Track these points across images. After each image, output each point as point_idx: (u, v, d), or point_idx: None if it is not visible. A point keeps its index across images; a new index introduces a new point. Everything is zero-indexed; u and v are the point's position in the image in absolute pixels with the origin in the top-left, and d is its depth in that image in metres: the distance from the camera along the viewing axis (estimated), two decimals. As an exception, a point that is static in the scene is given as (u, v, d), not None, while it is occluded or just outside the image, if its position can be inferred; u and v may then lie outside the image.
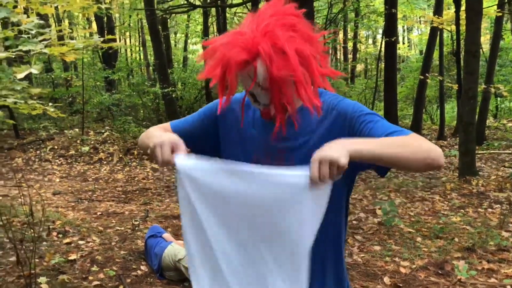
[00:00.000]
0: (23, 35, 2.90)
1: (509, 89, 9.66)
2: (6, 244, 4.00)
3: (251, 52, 1.12)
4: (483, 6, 7.62)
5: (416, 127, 12.64)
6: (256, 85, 1.17)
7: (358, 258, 3.95)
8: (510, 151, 10.32)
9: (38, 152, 10.39)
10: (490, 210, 5.56)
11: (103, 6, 5.60)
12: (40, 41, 2.94)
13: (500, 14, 10.55)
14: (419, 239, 4.44)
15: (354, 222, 5.04)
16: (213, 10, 16.40)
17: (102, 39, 3.25)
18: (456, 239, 4.38)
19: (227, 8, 15.06)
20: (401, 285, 3.41)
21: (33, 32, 2.95)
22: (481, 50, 9.00)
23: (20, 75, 2.48)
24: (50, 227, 4.61)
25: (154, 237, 3.88)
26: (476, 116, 8.15)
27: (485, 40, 18.82)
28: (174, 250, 3.57)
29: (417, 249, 4.16)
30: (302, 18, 1.18)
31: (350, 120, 1.25)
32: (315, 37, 1.18)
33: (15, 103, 3.49)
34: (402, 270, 3.66)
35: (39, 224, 4.32)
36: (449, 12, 13.24)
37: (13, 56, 2.74)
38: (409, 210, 5.60)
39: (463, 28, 9.04)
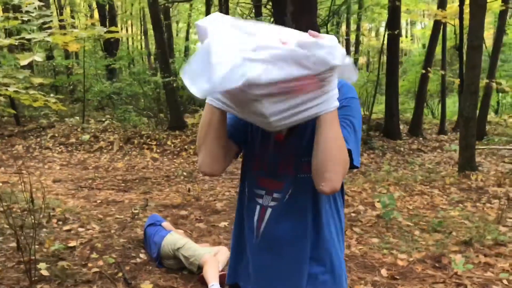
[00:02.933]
0: (26, 22, 2.90)
1: (511, 85, 9.63)
2: (6, 230, 4.02)
3: None
4: (487, 0, 7.58)
5: (417, 121, 12.64)
6: None
7: (356, 250, 3.98)
8: (510, 147, 10.32)
9: (38, 139, 10.40)
10: (488, 205, 5.58)
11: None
12: (43, 28, 2.94)
13: (504, 8, 10.49)
14: (417, 232, 4.46)
15: (353, 214, 5.06)
16: None
17: (105, 29, 3.23)
18: (454, 233, 4.41)
19: (230, -2, 14.97)
20: (398, 277, 3.44)
21: (33, 14, 2.94)
22: (484, 45, 8.97)
23: (24, 62, 2.48)
24: (50, 214, 4.63)
25: (153, 226, 3.90)
26: (477, 111, 8.14)
27: (489, 35, 18.72)
28: (173, 239, 3.59)
29: (415, 242, 4.18)
30: None
31: (340, 101, 1.25)
32: None
33: (17, 92, 3.49)
34: (400, 262, 3.69)
35: (39, 211, 4.34)
36: (453, 6, 13.17)
37: (16, 44, 2.74)
38: (408, 203, 5.62)
39: (466, 22, 9.01)
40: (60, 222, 4.53)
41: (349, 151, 1.22)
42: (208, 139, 1.27)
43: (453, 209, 5.33)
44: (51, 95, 4.88)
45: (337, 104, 1.16)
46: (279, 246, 1.36)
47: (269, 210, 1.37)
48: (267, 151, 1.36)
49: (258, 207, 1.39)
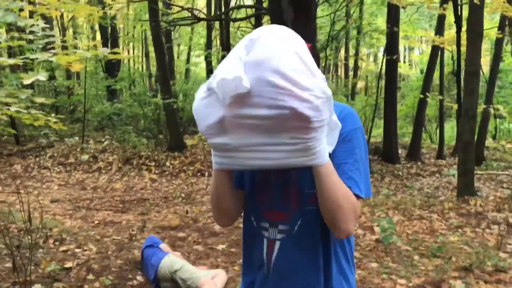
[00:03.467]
0: (32, 41, 2.94)
1: (509, 111, 9.72)
2: (3, 250, 3.98)
3: None
4: (484, 28, 7.71)
5: (415, 146, 12.68)
6: None
7: (355, 275, 3.94)
8: (508, 173, 10.34)
9: (37, 159, 10.40)
10: (488, 230, 5.55)
11: (109, 12, 5.66)
12: (47, 48, 2.99)
13: (501, 36, 10.67)
14: (416, 257, 4.42)
15: (352, 238, 5.02)
16: (217, 23, 16.58)
17: (108, 50, 3.28)
18: (454, 259, 4.37)
19: (231, 22, 15.22)
20: (397, 303, 3.40)
21: (38, 34, 2.99)
22: (481, 70, 9.08)
23: (27, 81, 2.51)
24: (47, 234, 4.60)
25: (151, 247, 3.87)
26: (476, 136, 8.18)
27: (485, 61, 18.98)
28: (170, 261, 3.56)
29: (414, 267, 4.14)
30: None
31: (341, 135, 1.24)
32: None
33: (18, 112, 3.52)
34: (399, 288, 3.65)
35: (36, 231, 4.31)
36: (450, 33, 13.39)
37: (21, 63, 2.78)
38: (407, 228, 5.59)
39: (464, 48, 9.14)
40: (57, 243, 4.49)
41: (357, 195, 1.22)
42: (220, 203, 1.32)
43: (453, 234, 5.30)
44: (52, 115, 4.92)
45: (325, 160, 1.14)
46: (291, 277, 1.33)
47: (277, 243, 1.33)
48: (269, 183, 1.34)
49: (265, 240, 1.35)
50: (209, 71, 17.52)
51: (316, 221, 1.27)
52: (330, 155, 1.19)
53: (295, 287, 1.33)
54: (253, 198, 1.37)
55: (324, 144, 1.14)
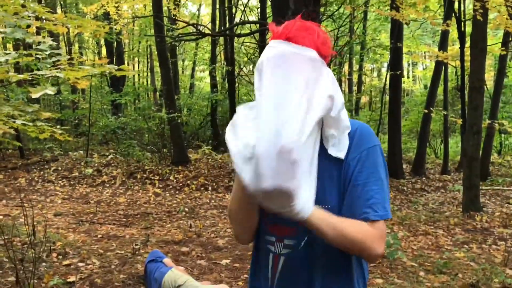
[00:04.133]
0: (40, 60, 2.99)
1: (513, 126, 9.70)
2: (6, 264, 3.97)
3: None
4: (488, 44, 7.74)
5: (420, 161, 12.64)
6: None
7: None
8: (514, 188, 10.26)
9: (41, 172, 10.42)
10: (494, 246, 5.49)
11: (114, 27, 5.72)
12: (54, 64, 3.02)
13: (504, 52, 10.70)
14: (422, 273, 4.38)
15: (357, 254, 4.98)
16: (222, 39, 16.72)
17: (116, 67, 3.32)
18: (460, 275, 4.32)
19: (235, 38, 15.35)
20: (403, 320, 3.35)
21: (47, 52, 3.03)
22: (485, 86, 9.09)
23: (36, 95, 2.54)
24: (51, 248, 4.58)
25: (154, 262, 3.83)
26: (480, 152, 8.15)
27: (489, 77, 19.01)
28: (174, 275, 3.52)
29: (420, 284, 4.09)
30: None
31: (360, 154, 1.25)
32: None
33: (24, 125, 3.54)
34: (405, 304, 3.61)
35: (39, 244, 4.30)
36: (453, 48, 13.46)
37: (30, 78, 2.81)
38: (412, 243, 5.55)
39: (467, 64, 9.17)
40: (60, 257, 4.47)
41: (373, 221, 1.21)
42: (248, 220, 1.33)
43: (458, 250, 5.25)
44: (56, 126, 4.94)
45: (307, 213, 1.14)
46: None
47: (282, 258, 1.31)
48: None
49: (271, 255, 1.33)
50: (213, 85, 17.63)
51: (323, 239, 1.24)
52: (350, 176, 1.22)
53: None
54: (261, 210, 1.33)
55: (305, 197, 1.13)
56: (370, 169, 1.24)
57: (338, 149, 1.24)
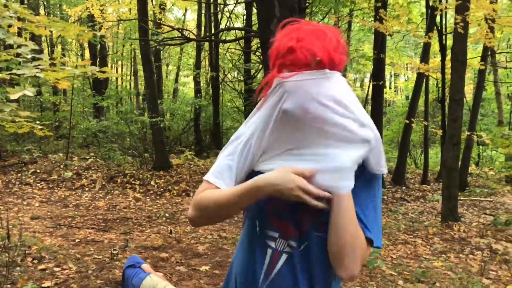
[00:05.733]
0: (18, 58, 2.93)
1: (491, 138, 9.89)
2: (-22, 268, 3.86)
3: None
4: (468, 57, 7.91)
5: (400, 171, 12.79)
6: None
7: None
8: (491, 199, 10.46)
9: (19, 175, 10.20)
10: (471, 256, 5.58)
11: (98, 34, 5.67)
12: (35, 66, 2.97)
13: (483, 67, 10.94)
14: (400, 282, 4.41)
15: (336, 262, 4.99)
16: (207, 44, 16.73)
17: (97, 69, 3.27)
18: (438, 284, 4.37)
19: (220, 44, 15.37)
20: (381, 328, 3.37)
21: (29, 56, 2.97)
22: (464, 98, 9.27)
23: (14, 96, 2.48)
24: (26, 252, 4.48)
25: (132, 267, 3.78)
26: (459, 163, 8.29)
27: (469, 90, 19.41)
28: (152, 281, 3.48)
29: (399, 293, 4.12)
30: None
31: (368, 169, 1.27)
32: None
33: (2, 120, 3.46)
34: (383, 313, 3.62)
35: (14, 248, 4.19)
36: (435, 61, 13.71)
37: (8, 78, 2.75)
38: (391, 252, 5.59)
39: (448, 76, 9.35)
40: (36, 261, 4.37)
41: (369, 239, 1.23)
42: (221, 218, 1.34)
43: (436, 260, 5.31)
44: (37, 122, 4.84)
45: (350, 187, 1.18)
46: None
47: (284, 256, 1.28)
48: None
49: (270, 251, 1.29)
50: (197, 91, 17.57)
51: (322, 248, 1.25)
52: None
53: None
54: (261, 203, 1.29)
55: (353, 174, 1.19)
56: (371, 191, 1.30)
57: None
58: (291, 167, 1.19)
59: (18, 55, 3.09)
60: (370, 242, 1.23)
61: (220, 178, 1.33)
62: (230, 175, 1.33)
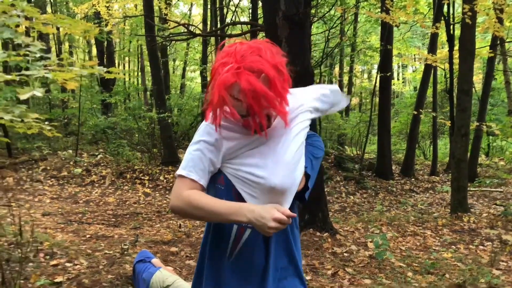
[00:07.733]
0: (27, 57, 2.95)
1: (501, 128, 9.80)
2: (-8, 264, 3.92)
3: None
4: (476, 47, 7.82)
5: (409, 162, 12.73)
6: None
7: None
8: (501, 189, 10.38)
9: (30, 172, 10.32)
10: (481, 247, 5.55)
11: (105, 29, 5.69)
12: (44, 66, 2.99)
13: (492, 55, 10.82)
14: (410, 274, 4.41)
15: (345, 254, 5.01)
16: (213, 39, 16.71)
17: (105, 69, 3.29)
18: (447, 275, 4.36)
19: (226, 38, 15.33)
20: (391, 320, 3.38)
21: (37, 55, 2.99)
22: (473, 88, 9.19)
23: (23, 97, 2.50)
24: (38, 248, 4.54)
25: (142, 262, 3.82)
26: (468, 153, 8.23)
27: (478, 80, 19.20)
28: (162, 276, 3.52)
29: (408, 284, 4.13)
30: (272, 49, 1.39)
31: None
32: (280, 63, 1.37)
33: (12, 121, 3.49)
34: (392, 304, 3.63)
35: (26, 244, 4.25)
36: (442, 51, 13.56)
37: (17, 79, 2.78)
38: (400, 244, 5.59)
39: (456, 66, 9.26)
40: (48, 257, 4.43)
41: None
42: (197, 218, 1.42)
43: (446, 251, 5.30)
44: (46, 123, 4.88)
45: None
46: (250, 265, 1.41)
47: (248, 231, 1.41)
48: None
49: (235, 227, 1.42)
50: (204, 86, 17.56)
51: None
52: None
53: (251, 274, 1.41)
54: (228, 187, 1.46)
55: None
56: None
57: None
58: (276, 205, 1.31)
59: (26, 54, 3.11)
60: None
61: (194, 172, 1.43)
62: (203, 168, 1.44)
